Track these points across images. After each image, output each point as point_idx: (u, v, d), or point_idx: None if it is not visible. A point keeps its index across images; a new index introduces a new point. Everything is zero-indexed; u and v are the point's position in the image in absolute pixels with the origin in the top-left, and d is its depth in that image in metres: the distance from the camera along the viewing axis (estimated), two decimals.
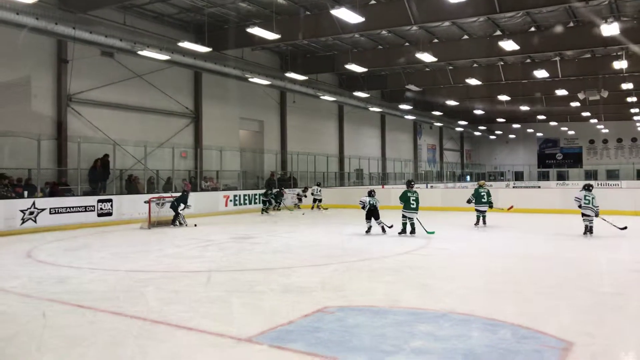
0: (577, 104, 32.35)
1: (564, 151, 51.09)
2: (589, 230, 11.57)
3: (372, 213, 12.36)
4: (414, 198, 11.81)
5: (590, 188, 11.79)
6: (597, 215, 11.43)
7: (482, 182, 16.35)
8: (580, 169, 49.02)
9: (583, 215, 11.60)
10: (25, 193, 13.84)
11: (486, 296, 6.32)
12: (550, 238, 11.98)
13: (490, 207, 13.94)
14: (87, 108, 17.13)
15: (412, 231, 11.85)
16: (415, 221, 11.89)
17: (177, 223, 14.43)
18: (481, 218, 13.97)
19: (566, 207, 18.10)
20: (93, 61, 17.05)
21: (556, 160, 51.30)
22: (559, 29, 19.62)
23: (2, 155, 14.19)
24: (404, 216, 11.94)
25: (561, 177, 49.01)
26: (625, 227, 11.77)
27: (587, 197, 11.49)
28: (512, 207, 15.90)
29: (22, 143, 14.46)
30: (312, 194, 21.75)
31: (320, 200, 21.51)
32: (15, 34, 14.20)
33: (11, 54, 14.97)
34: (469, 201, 13.96)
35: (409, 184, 12.41)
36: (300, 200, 22.21)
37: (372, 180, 33.43)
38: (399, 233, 11.88)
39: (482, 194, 13.83)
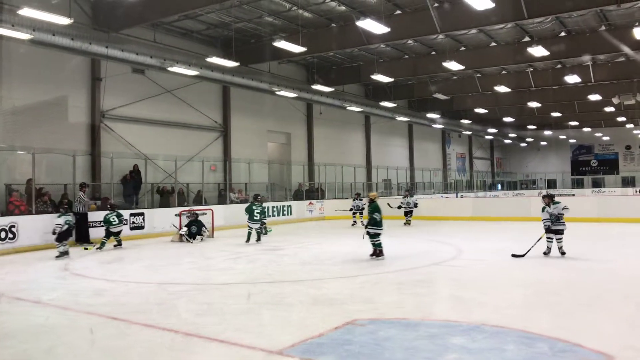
0: (612, 108, 31.46)
1: (598, 157, 49.67)
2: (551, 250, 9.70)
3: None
4: (258, 211, 13.51)
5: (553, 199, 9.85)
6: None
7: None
8: (617, 176, 47.53)
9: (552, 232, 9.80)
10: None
11: (521, 308, 6.16)
12: (588, 247, 11.63)
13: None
14: (119, 124, 17.60)
15: (247, 240, 13.41)
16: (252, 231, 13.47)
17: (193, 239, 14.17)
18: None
19: (603, 215, 17.62)
20: (125, 78, 17.54)
21: (591, 167, 49.91)
22: (590, 33, 19.21)
23: (40, 171, 14.66)
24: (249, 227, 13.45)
25: (596, 184, 47.59)
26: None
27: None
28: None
29: (59, 159, 14.93)
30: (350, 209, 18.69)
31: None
32: (52, 54, 14.78)
33: (49, 74, 15.53)
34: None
35: (255, 198, 14.20)
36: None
37: (400, 190, 33.17)
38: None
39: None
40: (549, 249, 9.93)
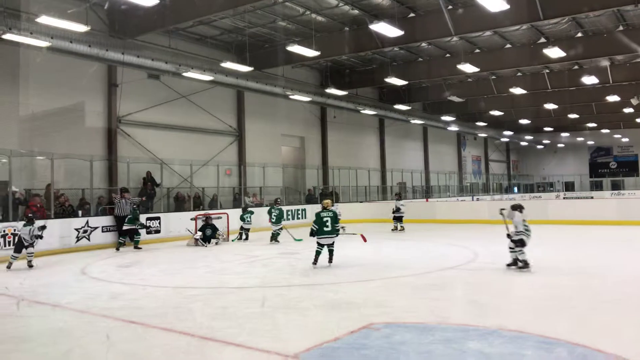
0: (631, 110, 30.96)
1: (617, 159, 48.85)
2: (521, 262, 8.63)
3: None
4: (275, 214, 14.45)
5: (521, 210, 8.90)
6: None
7: None
8: (637, 178, 46.67)
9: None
10: (80, 212, 14.43)
11: (539, 312, 6.07)
12: (607, 251, 11.44)
13: None
14: (135, 129, 17.81)
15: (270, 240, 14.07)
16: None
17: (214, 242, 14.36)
18: None
19: (622, 218, 17.31)
20: (140, 84, 17.76)
21: (610, 169, 49.10)
22: (607, 33, 18.94)
23: (59, 176, 14.89)
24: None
25: (616, 186, 46.77)
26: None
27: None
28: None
29: (76, 164, 15.14)
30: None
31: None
32: (70, 61, 15.02)
33: (66, 80, 15.80)
34: None
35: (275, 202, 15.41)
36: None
37: (415, 193, 33.01)
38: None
39: None
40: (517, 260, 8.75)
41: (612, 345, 4.59)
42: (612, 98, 26.88)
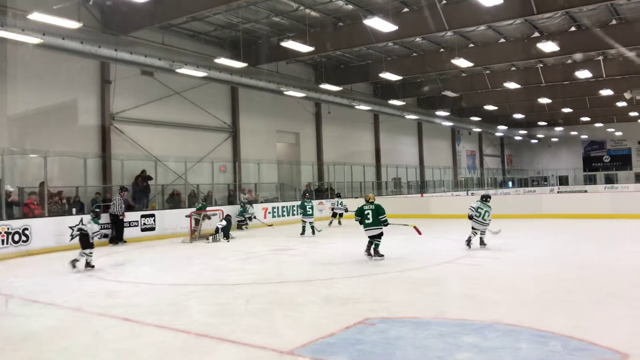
0: (624, 103, 31.10)
1: (611, 153, 49.11)
2: (469, 242, 10.72)
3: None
4: (310, 206, 15.32)
5: (487, 200, 10.78)
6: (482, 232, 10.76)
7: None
8: (630, 171, 46.97)
9: (472, 227, 10.79)
10: (73, 210, 14.37)
11: (535, 306, 6.10)
12: (602, 245, 11.51)
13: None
14: (129, 126, 17.71)
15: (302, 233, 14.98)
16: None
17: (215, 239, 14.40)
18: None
19: (616, 211, 17.42)
20: (134, 80, 17.65)
21: (603, 163, 49.36)
22: (600, 27, 18.98)
23: (52, 174, 14.80)
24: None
25: (609, 180, 47.05)
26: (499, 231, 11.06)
27: (479, 209, 10.59)
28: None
29: (70, 162, 15.06)
30: (332, 208, 19.35)
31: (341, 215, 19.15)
32: (62, 58, 14.90)
33: (59, 77, 15.66)
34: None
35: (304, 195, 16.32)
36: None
37: (410, 188, 33.05)
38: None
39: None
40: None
41: (608, 338, 4.61)
42: (606, 92, 26.99)
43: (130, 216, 14.94)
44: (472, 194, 32.18)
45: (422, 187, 34.64)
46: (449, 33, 19.26)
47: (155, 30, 17.45)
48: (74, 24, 12.31)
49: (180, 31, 18.79)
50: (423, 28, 17.07)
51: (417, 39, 20.60)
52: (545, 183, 49.55)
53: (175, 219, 15.88)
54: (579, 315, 5.60)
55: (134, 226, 15.06)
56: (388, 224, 9.95)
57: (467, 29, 19.13)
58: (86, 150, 15.67)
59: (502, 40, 21.10)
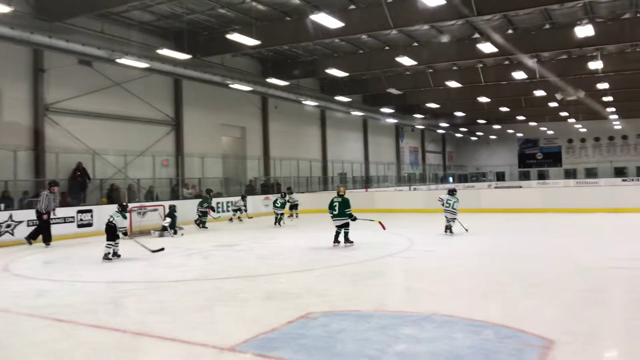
0: (555, 104, 32.87)
1: (543, 151, 51.84)
2: (449, 229, 12.45)
3: None
4: (281, 202, 16.80)
5: (454, 192, 12.77)
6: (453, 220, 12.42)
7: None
8: (560, 168, 49.78)
9: (446, 216, 12.57)
10: (2, 206, 13.55)
11: (470, 297, 6.35)
12: (532, 238, 12.13)
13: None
14: (65, 118, 16.88)
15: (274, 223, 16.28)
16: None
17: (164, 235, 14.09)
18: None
19: (547, 206, 18.42)
20: (70, 70, 16.81)
21: (536, 160, 52.03)
22: (535, 31, 19.92)
23: None
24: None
25: (542, 176, 49.70)
26: (467, 230, 12.44)
27: (449, 201, 12.48)
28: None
29: None
30: (288, 200, 19.70)
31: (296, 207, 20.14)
32: None
33: None
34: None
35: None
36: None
37: (355, 183, 33.50)
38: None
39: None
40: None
41: (536, 326, 4.87)
42: (539, 93, 28.38)
43: (65, 212, 14.23)
44: (415, 189, 33.08)
45: (367, 182, 35.20)
46: (394, 31, 19.61)
47: (94, 18, 16.68)
48: (3, 8, 11.60)
49: (121, 20, 18.06)
50: (369, 25, 17.31)
51: (363, 37, 20.86)
52: (484, 179, 51.64)
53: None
54: (510, 305, 5.88)
55: (69, 222, 14.38)
56: (355, 218, 10.81)
57: (411, 28, 19.56)
58: (17, 143, 14.81)
59: (445, 40, 21.73)
